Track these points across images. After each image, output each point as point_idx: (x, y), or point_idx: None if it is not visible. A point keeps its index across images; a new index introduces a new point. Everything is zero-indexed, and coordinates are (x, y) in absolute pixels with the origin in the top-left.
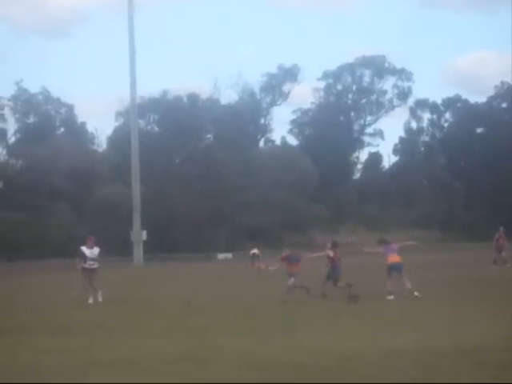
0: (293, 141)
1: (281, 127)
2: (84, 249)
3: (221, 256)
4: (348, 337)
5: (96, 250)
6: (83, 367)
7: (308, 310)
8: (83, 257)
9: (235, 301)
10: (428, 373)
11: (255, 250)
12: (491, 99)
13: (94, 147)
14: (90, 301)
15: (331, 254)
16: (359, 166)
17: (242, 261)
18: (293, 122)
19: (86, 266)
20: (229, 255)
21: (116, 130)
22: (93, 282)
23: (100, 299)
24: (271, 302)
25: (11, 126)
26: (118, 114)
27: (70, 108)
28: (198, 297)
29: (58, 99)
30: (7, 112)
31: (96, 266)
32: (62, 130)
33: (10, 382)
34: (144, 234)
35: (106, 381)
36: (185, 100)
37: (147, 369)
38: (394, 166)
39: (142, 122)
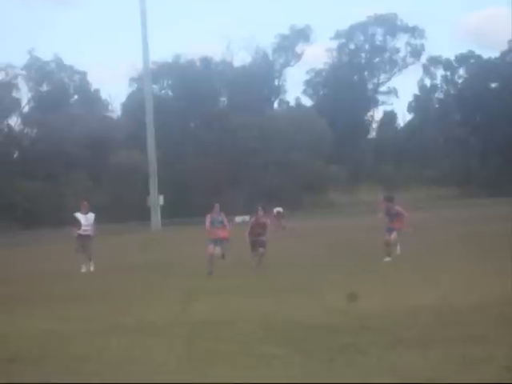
0: (307, 101)
1: (295, 88)
2: (78, 215)
3: (238, 219)
4: (367, 296)
5: (91, 216)
6: (104, 332)
7: (325, 270)
8: (77, 223)
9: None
10: (449, 329)
11: (279, 209)
12: (504, 54)
13: (109, 114)
14: (83, 269)
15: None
16: (374, 125)
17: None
18: (306, 82)
19: (81, 232)
20: (246, 217)
21: (130, 96)
22: (87, 250)
23: (92, 269)
24: (290, 263)
25: (25, 95)
26: (132, 80)
27: (83, 75)
28: (218, 260)
29: (71, 67)
30: (20, 81)
31: (90, 232)
32: (76, 97)
33: (32, 350)
34: (161, 199)
35: (128, 343)
36: (198, 64)
37: (168, 331)
38: (409, 123)
39: (155, 88)
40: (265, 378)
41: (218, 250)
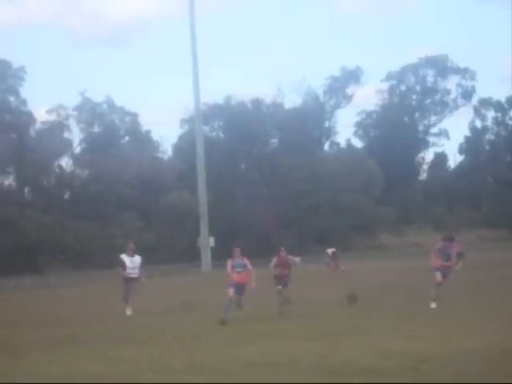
0: (358, 143)
1: (345, 130)
2: (124, 257)
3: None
4: (418, 338)
5: (137, 259)
6: (154, 375)
7: (375, 312)
8: (123, 265)
9: (303, 304)
10: (501, 372)
11: (333, 249)
12: None
13: (160, 155)
14: (129, 312)
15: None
16: (425, 167)
17: (310, 264)
18: (357, 124)
19: (125, 275)
20: (297, 259)
21: (181, 138)
22: (130, 292)
23: (129, 313)
24: (339, 304)
25: (76, 136)
26: (183, 122)
27: (135, 116)
28: (265, 302)
29: (122, 108)
30: (72, 122)
31: (136, 275)
32: (127, 138)
33: None
34: (211, 240)
35: None
36: (249, 105)
37: (219, 375)
38: (460, 165)
39: (206, 129)
40: None
41: (237, 299)
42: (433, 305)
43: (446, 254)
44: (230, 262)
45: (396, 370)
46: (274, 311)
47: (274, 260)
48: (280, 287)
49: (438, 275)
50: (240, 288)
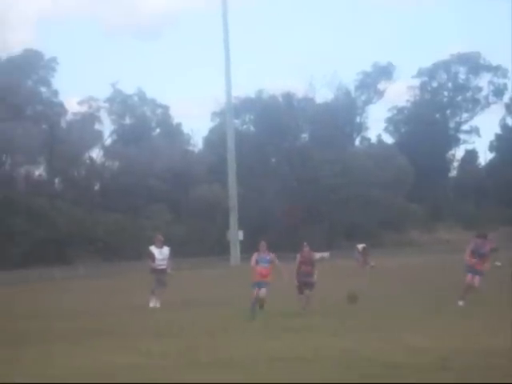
0: (388, 139)
1: (376, 125)
2: (152, 248)
3: (317, 255)
4: (445, 336)
5: (166, 250)
6: (182, 368)
7: (404, 309)
8: (151, 257)
9: (331, 300)
10: None
11: (363, 244)
12: None
13: (190, 148)
14: (157, 304)
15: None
16: (455, 164)
17: (339, 259)
18: (388, 119)
19: (154, 266)
20: (325, 254)
21: (212, 131)
22: (159, 285)
23: (152, 305)
24: (366, 301)
25: (107, 128)
26: (214, 115)
27: (166, 109)
28: (292, 297)
29: (154, 100)
30: (103, 114)
31: (165, 266)
32: (158, 131)
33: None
34: (241, 234)
35: (206, 379)
36: (280, 99)
37: (247, 369)
38: (491, 162)
39: (237, 122)
40: None
41: (262, 293)
42: (460, 303)
43: (479, 254)
44: (255, 256)
45: (421, 367)
46: (300, 307)
47: (298, 256)
48: (308, 291)
49: (470, 276)
50: (263, 283)
